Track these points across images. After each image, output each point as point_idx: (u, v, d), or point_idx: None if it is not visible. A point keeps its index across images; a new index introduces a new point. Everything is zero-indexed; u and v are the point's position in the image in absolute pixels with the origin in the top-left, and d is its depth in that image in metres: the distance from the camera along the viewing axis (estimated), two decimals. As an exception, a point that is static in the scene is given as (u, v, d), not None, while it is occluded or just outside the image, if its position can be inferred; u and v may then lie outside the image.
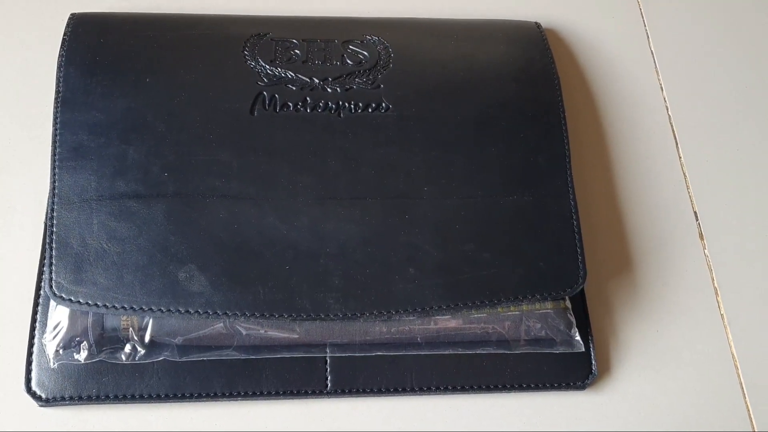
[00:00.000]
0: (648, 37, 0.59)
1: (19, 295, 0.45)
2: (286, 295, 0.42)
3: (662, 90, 0.56)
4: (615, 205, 0.51)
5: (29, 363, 0.43)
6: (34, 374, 0.42)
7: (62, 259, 0.42)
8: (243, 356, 0.42)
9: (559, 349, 0.44)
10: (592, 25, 0.59)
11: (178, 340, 0.42)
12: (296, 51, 0.50)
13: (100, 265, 0.42)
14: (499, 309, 0.44)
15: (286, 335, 0.42)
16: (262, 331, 0.42)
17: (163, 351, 0.42)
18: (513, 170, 0.47)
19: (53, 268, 0.42)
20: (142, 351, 0.41)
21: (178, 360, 0.42)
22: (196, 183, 0.44)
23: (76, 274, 0.41)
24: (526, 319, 0.44)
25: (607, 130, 0.54)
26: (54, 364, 0.41)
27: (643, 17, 0.59)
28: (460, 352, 0.44)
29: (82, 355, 0.41)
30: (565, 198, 0.47)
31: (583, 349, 0.45)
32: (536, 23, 0.56)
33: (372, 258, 0.43)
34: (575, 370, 0.45)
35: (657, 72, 0.57)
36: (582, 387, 0.45)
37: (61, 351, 0.41)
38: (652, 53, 0.58)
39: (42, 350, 0.42)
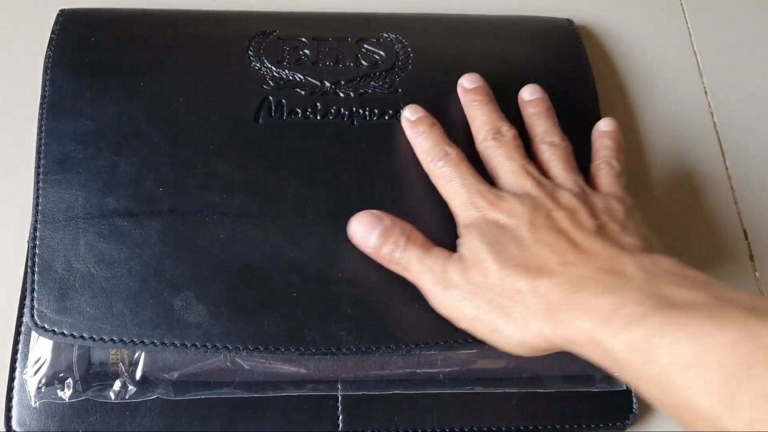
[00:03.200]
0: (691, 35, 0.54)
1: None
2: (293, 326, 0.37)
3: (707, 94, 0.51)
4: (657, 224, 0.46)
5: (9, 400, 0.38)
6: (14, 412, 0.38)
7: (45, 284, 0.38)
8: (245, 394, 0.38)
9: (598, 387, 0.40)
10: (628, 22, 0.54)
11: (173, 375, 0.38)
12: (305, 51, 0.46)
13: (87, 292, 0.37)
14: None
15: (293, 371, 0.38)
16: (266, 366, 0.38)
17: (156, 388, 0.37)
18: (545, 183, 0.42)
19: (35, 295, 0.37)
20: (133, 388, 0.37)
21: (173, 398, 0.37)
22: (194, 199, 0.40)
23: (61, 302, 0.37)
24: (561, 355, 0.39)
25: (646, 140, 0.49)
26: (36, 402, 0.37)
27: (685, 14, 0.55)
28: (488, 390, 0.39)
29: (66, 393, 0.37)
30: (604, 215, 0.42)
31: (624, 387, 0.40)
32: (568, 20, 0.51)
33: (388, 284, 0.39)
34: (615, 409, 0.41)
35: (701, 74, 0.52)
36: (622, 428, 0.41)
37: (43, 388, 0.37)
38: (696, 54, 0.53)
39: (23, 387, 0.38)
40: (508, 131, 0.41)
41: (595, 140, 0.43)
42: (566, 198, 0.36)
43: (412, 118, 0.42)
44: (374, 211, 0.38)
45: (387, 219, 0.38)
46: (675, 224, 0.47)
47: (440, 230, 0.40)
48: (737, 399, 0.26)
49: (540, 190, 0.37)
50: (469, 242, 0.36)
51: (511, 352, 0.34)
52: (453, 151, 0.40)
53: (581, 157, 0.42)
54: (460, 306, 0.35)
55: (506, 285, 0.33)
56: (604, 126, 0.43)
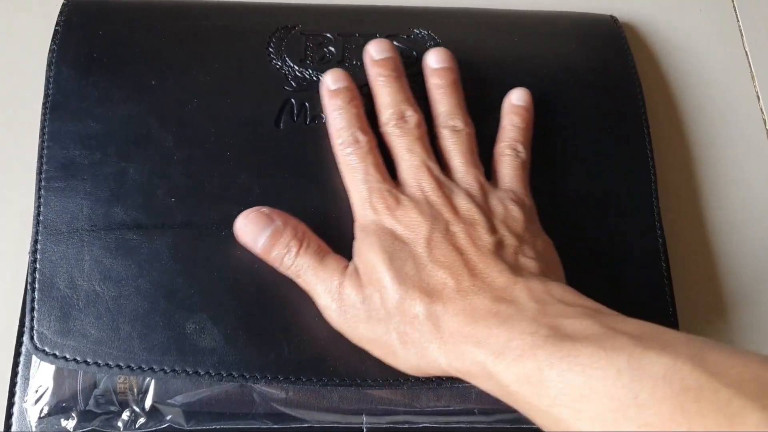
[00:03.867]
0: (742, 34, 0.50)
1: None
2: (316, 354, 0.34)
3: (759, 99, 0.48)
4: (705, 240, 0.43)
5: (8, 429, 0.35)
6: (12, 442, 0.35)
7: (46, 303, 0.35)
8: (262, 426, 0.35)
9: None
10: (676, 20, 0.50)
11: (179, 399, 0.35)
12: (330, 48, 0.42)
13: (92, 313, 0.34)
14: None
15: (314, 402, 0.35)
16: (285, 397, 0.35)
17: (167, 416, 0.34)
18: (590, 201, 0.39)
19: (35, 314, 0.34)
20: (143, 418, 0.34)
21: (185, 428, 0.34)
22: (210, 211, 0.36)
23: (63, 323, 0.34)
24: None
25: (694, 147, 0.46)
26: (36, 432, 0.34)
27: (736, 11, 0.51)
28: (525, 426, 0.36)
29: (70, 424, 0.34)
30: (652, 236, 0.39)
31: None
32: (612, 17, 0.47)
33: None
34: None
35: (753, 78, 0.48)
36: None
37: (45, 418, 0.34)
38: (747, 55, 0.49)
39: (23, 416, 0.35)
40: (412, 117, 0.38)
41: (504, 114, 0.40)
42: (465, 206, 0.35)
43: (332, 87, 0.39)
44: (264, 209, 0.36)
45: (278, 218, 0.35)
46: (728, 243, 0.43)
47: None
48: (624, 429, 0.26)
49: (439, 193, 0.36)
50: (365, 253, 0.34)
51: (407, 372, 0.34)
52: (364, 138, 0.37)
53: (625, 178, 0.39)
54: (356, 326, 0.34)
55: (403, 308, 0.32)
56: (516, 99, 0.40)
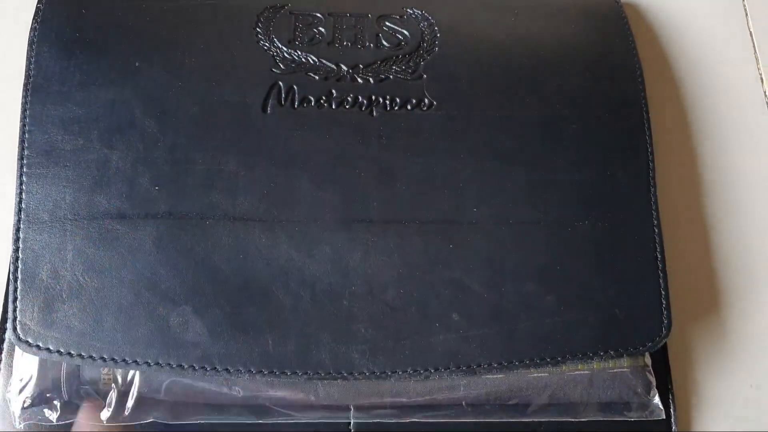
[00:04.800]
0: (747, 15, 0.48)
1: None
2: (301, 347, 0.34)
3: (762, 82, 0.46)
4: (702, 230, 0.42)
5: (-9, 418, 0.35)
6: (-4, 432, 0.35)
7: (29, 294, 0.34)
8: (248, 420, 0.35)
9: (634, 416, 0.36)
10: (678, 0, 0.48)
11: (163, 390, 0.34)
12: (320, 28, 0.41)
13: (75, 304, 0.34)
14: (563, 367, 0.36)
15: (301, 397, 0.35)
16: (271, 392, 0.35)
17: (152, 411, 0.34)
18: (585, 188, 0.38)
19: (18, 305, 0.34)
20: (127, 411, 0.34)
21: (170, 422, 0.34)
22: (194, 200, 0.36)
23: (46, 313, 0.34)
24: (596, 380, 0.36)
25: (695, 132, 0.45)
26: (20, 424, 0.34)
27: (742, -11, 0.49)
28: (515, 419, 0.36)
29: (53, 415, 0.34)
30: (648, 225, 0.38)
31: (663, 416, 0.37)
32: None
33: (407, 300, 0.35)
34: (652, 439, 0.37)
35: (757, 59, 0.47)
36: (659, 460, 0.37)
37: (28, 408, 0.34)
38: (752, 36, 0.48)
39: (6, 405, 0.35)
40: None
41: None
42: None
43: None
44: None
45: None
46: (725, 234, 0.42)
47: (467, 240, 0.36)
48: None
49: None
50: None
51: None
52: None
53: (622, 165, 0.38)
54: None
55: None
56: None
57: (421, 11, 0.42)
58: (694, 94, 0.45)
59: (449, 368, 0.34)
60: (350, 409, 0.35)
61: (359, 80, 0.39)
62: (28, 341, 0.33)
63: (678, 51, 0.47)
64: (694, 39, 0.47)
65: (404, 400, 0.35)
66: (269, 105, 0.38)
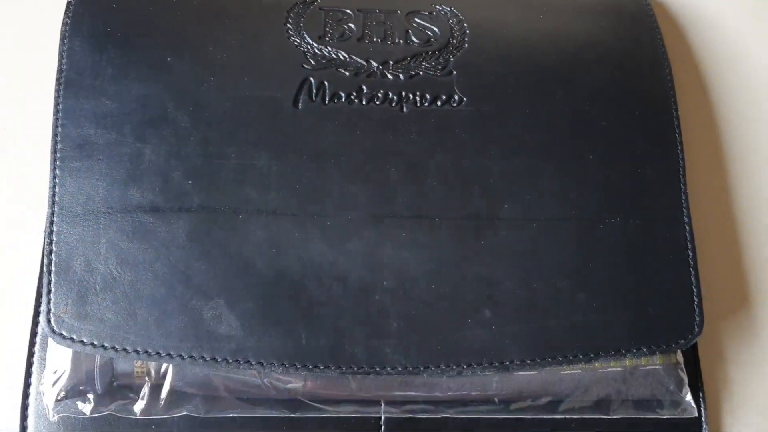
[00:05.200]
0: (776, 11, 0.48)
1: (13, 328, 0.37)
2: (333, 341, 0.34)
3: (792, 79, 0.46)
4: (732, 227, 0.42)
5: (24, 411, 0.36)
6: (30, 423, 0.35)
7: (63, 286, 0.34)
8: (280, 414, 0.35)
9: (666, 414, 0.36)
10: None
11: (196, 383, 0.34)
12: (350, 24, 0.41)
13: (109, 297, 0.34)
14: (596, 364, 0.36)
15: (332, 391, 0.35)
16: (302, 385, 0.35)
17: (185, 404, 0.34)
18: (616, 185, 0.38)
19: (52, 297, 0.34)
20: (160, 404, 0.34)
21: (202, 415, 0.34)
22: (227, 194, 0.36)
23: (80, 306, 0.34)
24: (629, 378, 0.36)
25: (725, 131, 0.44)
26: (54, 416, 0.34)
27: (771, -14, 0.49)
28: (547, 416, 0.36)
29: (87, 407, 0.34)
30: (679, 222, 0.38)
31: (696, 414, 0.36)
32: (642, -7, 0.46)
33: (438, 295, 0.35)
34: (683, 437, 0.37)
35: (787, 56, 0.47)
36: (690, 458, 0.37)
37: (62, 400, 0.34)
38: (782, 32, 0.47)
39: (40, 397, 0.35)
40: None
41: None
42: None
43: None
44: None
45: None
46: (756, 230, 0.42)
47: (498, 236, 0.36)
48: None
49: None
50: None
51: None
52: None
53: (653, 162, 0.38)
54: None
55: None
56: None
57: (450, 8, 0.42)
58: (723, 91, 0.45)
59: (481, 364, 0.34)
60: (381, 404, 0.35)
61: (389, 76, 0.39)
62: (62, 333, 0.34)
63: (707, 48, 0.46)
64: (723, 37, 0.47)
65: (436, 395, 0.35)
66: (300, 100, 0.38)
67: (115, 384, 0.34)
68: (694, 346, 0.39)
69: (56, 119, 0.37)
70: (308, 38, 0.40)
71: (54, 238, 0.35)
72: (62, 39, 0.39)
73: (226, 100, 0.37)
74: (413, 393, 0.35)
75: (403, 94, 0.39)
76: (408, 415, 0.35)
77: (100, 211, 0.35)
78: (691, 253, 0.37)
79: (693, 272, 0.37)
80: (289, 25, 0.40)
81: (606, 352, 0.35)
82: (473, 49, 0.41)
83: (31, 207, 0.40)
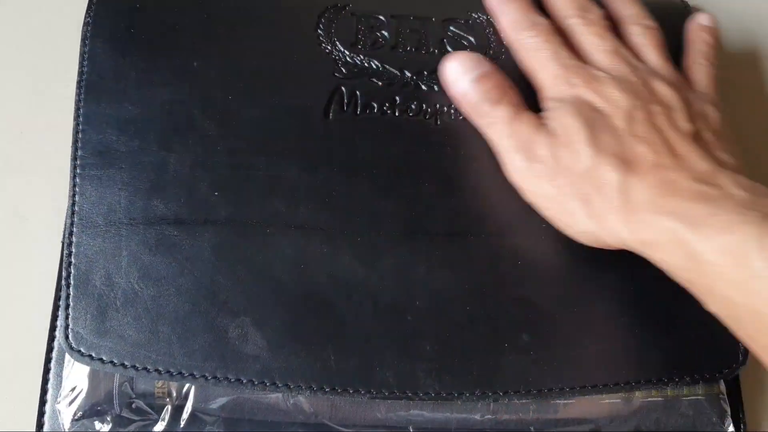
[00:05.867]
0: (821, 26, 0.46)
1: (29, 343, 0.36)
2: (363, 363, 0.33)
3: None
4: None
5: (39, 427, 0.34)
6: (44, 443, 0.34)
7: (82, 301, 0.33)
8: (306, 438, 0.33)
9: (708, 447, 0.35)
10: (751, 5, 0.46)
11: (218, 405, 0.33)
12: (383, 32, 0.39)
13: (130, 313, 0.32)
14: (636, 393, 0.34)
15: (360, 415, 0.33)
16: (330, 408, 0.33)
17: (207, 426, 0.33)
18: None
19: (70, 312, 0.33)
20: (181, 425, 0.32)
21: (224, 438, 0.33)
22: (255, 207, 0.34)
23: (100, 322, 0.32)
24: (670, 407, 0.34)
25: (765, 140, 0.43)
26: (69, 436, 0.33)
27: (815, -1, 0.47)
28: (582, 446, 0.34)
29: (105, 427, 0.32)
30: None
31: (732, 440, 0.35)
32: (683, 2, 0.44)
33: (474, 318, 0.34)
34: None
35: (830, 72, 0.45)
36: (729, 492, 0.36)
37: (79, 420, 0.32)
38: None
39: (56, 416, 0.34)
40: (596, 10, 0.37)
41: (691, 32, 0.40)
42: (663, 90, 0.35)
43: None
44: (475, 54, 0.36)
45: (487, 65, 0.36)
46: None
47: (536, 255, 0.35)
48: None
49: (636, 76, 0.35)
50: (562, 117, 0.34)
51: (574, 237, 0.34)
52: (544, 21, 0.37)
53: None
54: (538, 182, 0.34)
55: (594, 174, 0.32)
56: (704, 20, 0.40)
57: (487, 16, 0.41)
58: (764, 98, 0.44)
59: (518, 391, 0.33)
60: (410, 428, 0.34)
61: (423, 87, 0.38)
62: (80, 350, 0.32)
63: (753, 59, 0.45)
64: (763, 43, 0.45)
65: (470, 424, 0.34)
66: (331, 111, 0.37)
67: (134, 404, 0.33)
68: (735, 376, 0.37)
69: (77, 124, 0.35)
70: (340, 46, 0.38)
71: (73, 250, 0.33)
72: (83, 40, 0.37)
73: (254, 108, 0.36)
74: (445, 423, 0.34)
75: (438, 106, 0.37)
76: (439, 442, 0.34)
77: (121, 222, 0.34)
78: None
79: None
80: (320, 31, 0.39)
81: (647, 380, 0.34)
82: (511, 59, 0.39)
83: (48, 216, 0.38)
